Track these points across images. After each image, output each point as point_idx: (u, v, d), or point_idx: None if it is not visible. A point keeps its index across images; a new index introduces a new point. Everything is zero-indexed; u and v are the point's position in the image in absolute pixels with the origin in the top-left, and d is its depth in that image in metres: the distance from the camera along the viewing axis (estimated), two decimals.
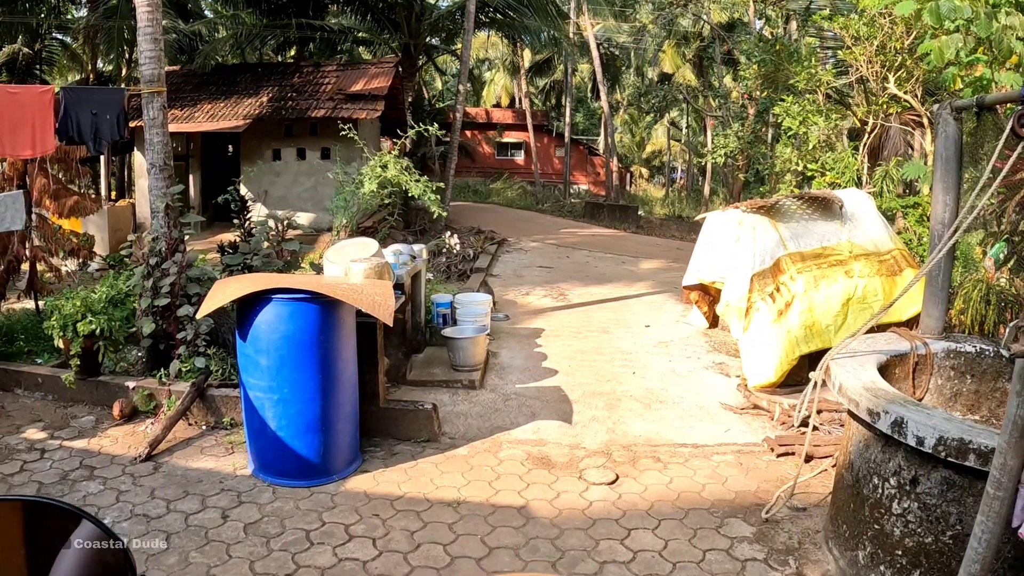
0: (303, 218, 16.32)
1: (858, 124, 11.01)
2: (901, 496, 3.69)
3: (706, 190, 31.88)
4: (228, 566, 4.16)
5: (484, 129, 39.81)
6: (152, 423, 6.10)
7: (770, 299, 7.23)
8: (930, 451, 3.38)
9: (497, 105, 43.53)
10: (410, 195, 9.72)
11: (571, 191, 34.99)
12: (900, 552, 3.70)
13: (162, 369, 6.50)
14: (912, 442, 3.48)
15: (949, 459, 3.32)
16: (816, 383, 4.55)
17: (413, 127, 10.18)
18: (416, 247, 7.77)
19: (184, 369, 6.42)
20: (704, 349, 8.53)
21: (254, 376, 5.03)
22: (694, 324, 9.51)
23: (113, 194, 20.14)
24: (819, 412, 6.41)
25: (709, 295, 9.17)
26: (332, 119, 15.25)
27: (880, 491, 3.84)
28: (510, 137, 39.70)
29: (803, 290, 7.15)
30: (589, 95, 45.40)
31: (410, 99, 26.08)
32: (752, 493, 5.19)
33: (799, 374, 7.19)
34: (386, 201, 10.32)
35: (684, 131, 46.92)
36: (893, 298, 7.29)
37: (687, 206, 33.26)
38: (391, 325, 4.74)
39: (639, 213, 24.18)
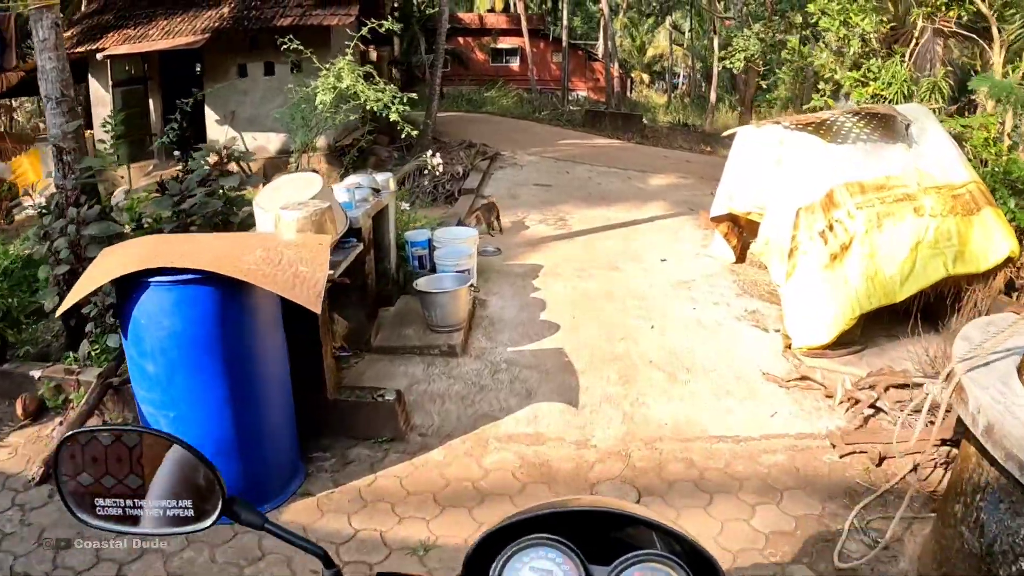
0: (274, 141, 14.61)
1: (884, 29, 9.18)
2: None
3: (712, 97, 29.73)
4: None
5: (478, 35, 37.19)
6: (62, 422, 4.66)
7: (820, 239, 5.66)
8: None
9: (491, 10, 40.67)
10: (368, 108, 8.04)
11: (570, 98, 32.78)
12: None
13: (71, 352, 5.05)
14: None
15: None
16: (939, 403, 3.04)
17: (367, 24, 8.39)
18: (381, 177, 6.13)
19: (96, 351, 4.96)
20: (733, 291, 6.98)
21: (143, 386, 3.54)
22: (717, 256, 7.93)
23: None
24: (885, 389, 4.96)
25: (739, 225, 7.57)
26: (301, 27, 13.31)
27: None
28: (505, 43, 37.10)
29: (864, 230, 5.57)
30: None
31: (395, 4, 23.77)
32: (816, 518, 3.79)
33: (852, 331, 5.70)
34: (352, 117, 8.59)
35: (687, 35, 44.25)
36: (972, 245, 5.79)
37: (692, 113, 31.13)
38: (317, 311, 3.18)
39: (643, 121, 22.15)
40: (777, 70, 13.85)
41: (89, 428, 1.26)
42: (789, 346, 5.70)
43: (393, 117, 7.73)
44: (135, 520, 1.22)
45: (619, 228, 9.35)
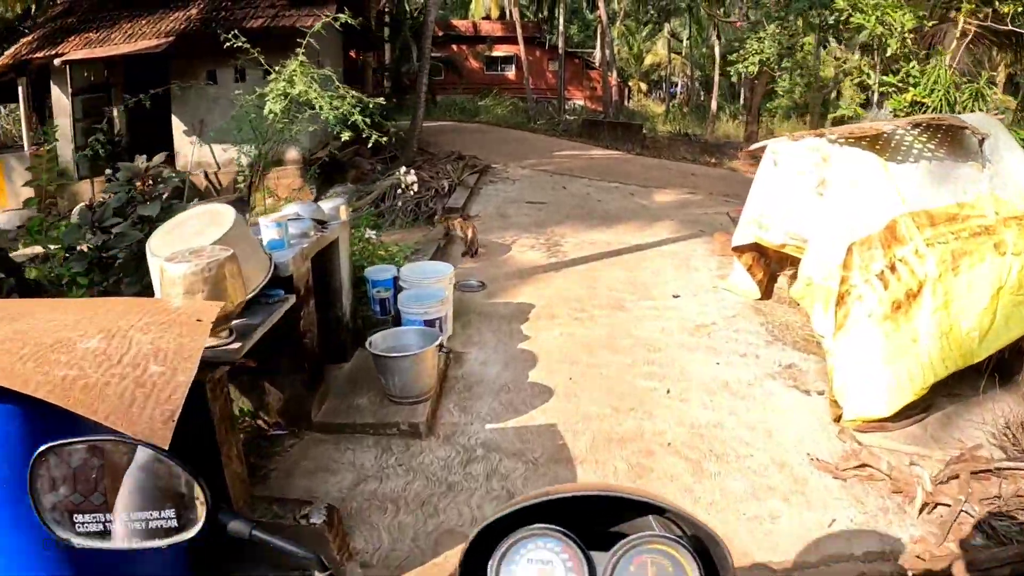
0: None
1: (928, 26, 8.05)
2: None
3: (713, 105, 28.68)
4: None
5: (472, 43, 36.19)
6: None
7: (879, 282, 4.49)
8: None
9: (487, 18, 39.54)
10: (323, 115, 6.92)
11: (566, 107, 31.72)
12: None
13: None
14: None
15: None
16: None
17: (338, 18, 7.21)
18: (329, 204, 4.91)
19: None
20: (762, 337, 5.80)
21: None
22: (738, 291, 6.75)
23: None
24: (968, 481, 3.83)
25: (765, 256, 6.40)
26: (273, 29, 12.19)
27: None
28: (500, 51, 36.09)
29: (937, 273, 4.41)
30: (584, 3, 41.37)
31: (387, 9, 22.66)
32: None
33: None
34: (311, 128, 7.36)
35: (685, 43, 43.25)
36: None
37: (691, 122, 29.98)
38: (164, 445, 1.99)
39: (643, 131, 20.93)
40: (788, 76, 12.66)
41: (63, 441, 1.18)
42: (839, 418, 4.53)
43: (345, 136, 6.61)
44: (117, 534, 1.15)
45: (622, 254, 8.17)
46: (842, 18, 8.32)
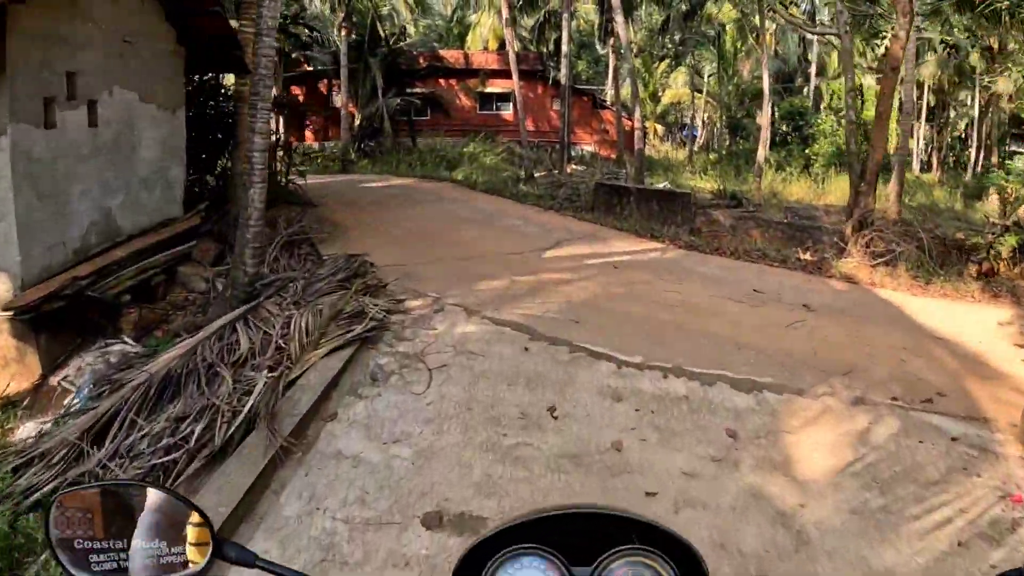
0: None
1: None
2: None
3: (760, 154, 21.57)
4: None
5: (463, 76, 29.39)
6: None
7: None
8: None
9: (486, 49, 32.75)
10: None
11: (572, 153, 24.80)
12: None
13: None
14: None
15: None
16: None
17: None
18: None
19: None
20: None
21: None
22: None
23: None
24: None
25: None
26: None
27: None
28: (496, 86, 29.26)
29: None
30: (596, 33, 34.57)
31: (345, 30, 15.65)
32: None
33: None
34: None
35: (707, 79, 36.70)
36: None
37: (729, 176, 22.72)
38: None
39: (690, 203, 12.82)
40: None
41: (79, 486, 1.20)
42: None
43: None
44: (132, 572, 1.14)
45: None
46: None
